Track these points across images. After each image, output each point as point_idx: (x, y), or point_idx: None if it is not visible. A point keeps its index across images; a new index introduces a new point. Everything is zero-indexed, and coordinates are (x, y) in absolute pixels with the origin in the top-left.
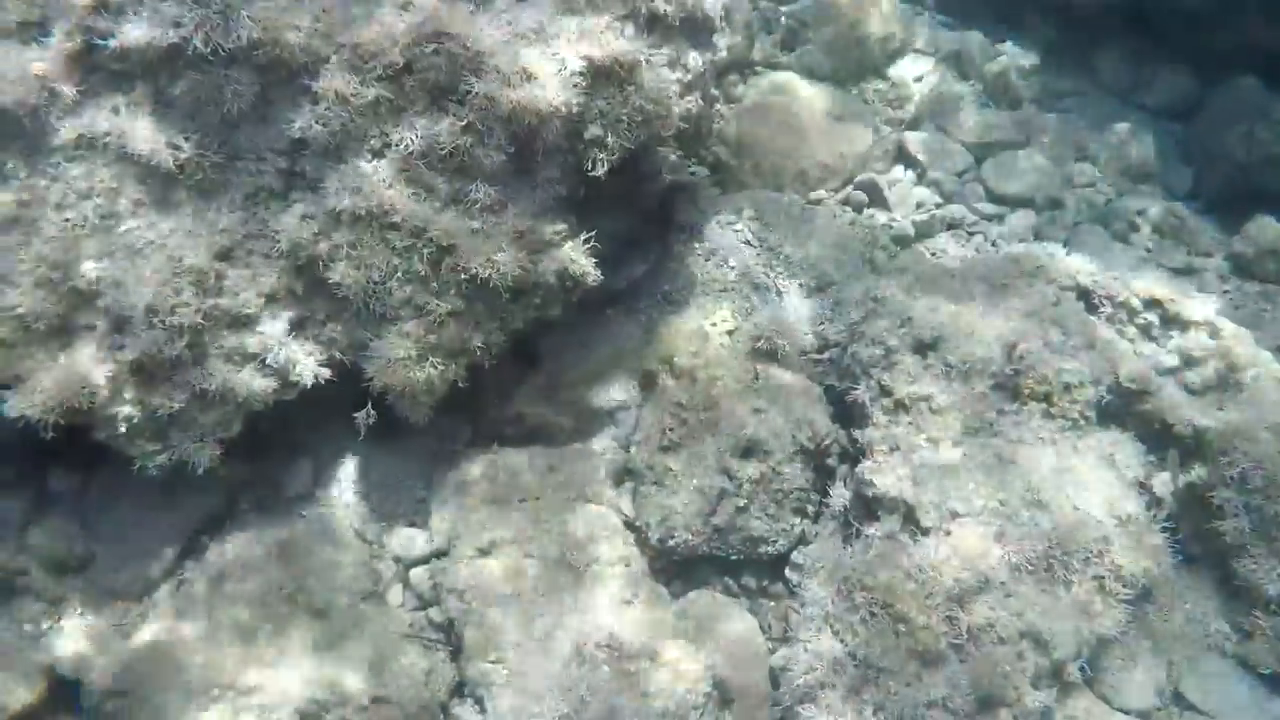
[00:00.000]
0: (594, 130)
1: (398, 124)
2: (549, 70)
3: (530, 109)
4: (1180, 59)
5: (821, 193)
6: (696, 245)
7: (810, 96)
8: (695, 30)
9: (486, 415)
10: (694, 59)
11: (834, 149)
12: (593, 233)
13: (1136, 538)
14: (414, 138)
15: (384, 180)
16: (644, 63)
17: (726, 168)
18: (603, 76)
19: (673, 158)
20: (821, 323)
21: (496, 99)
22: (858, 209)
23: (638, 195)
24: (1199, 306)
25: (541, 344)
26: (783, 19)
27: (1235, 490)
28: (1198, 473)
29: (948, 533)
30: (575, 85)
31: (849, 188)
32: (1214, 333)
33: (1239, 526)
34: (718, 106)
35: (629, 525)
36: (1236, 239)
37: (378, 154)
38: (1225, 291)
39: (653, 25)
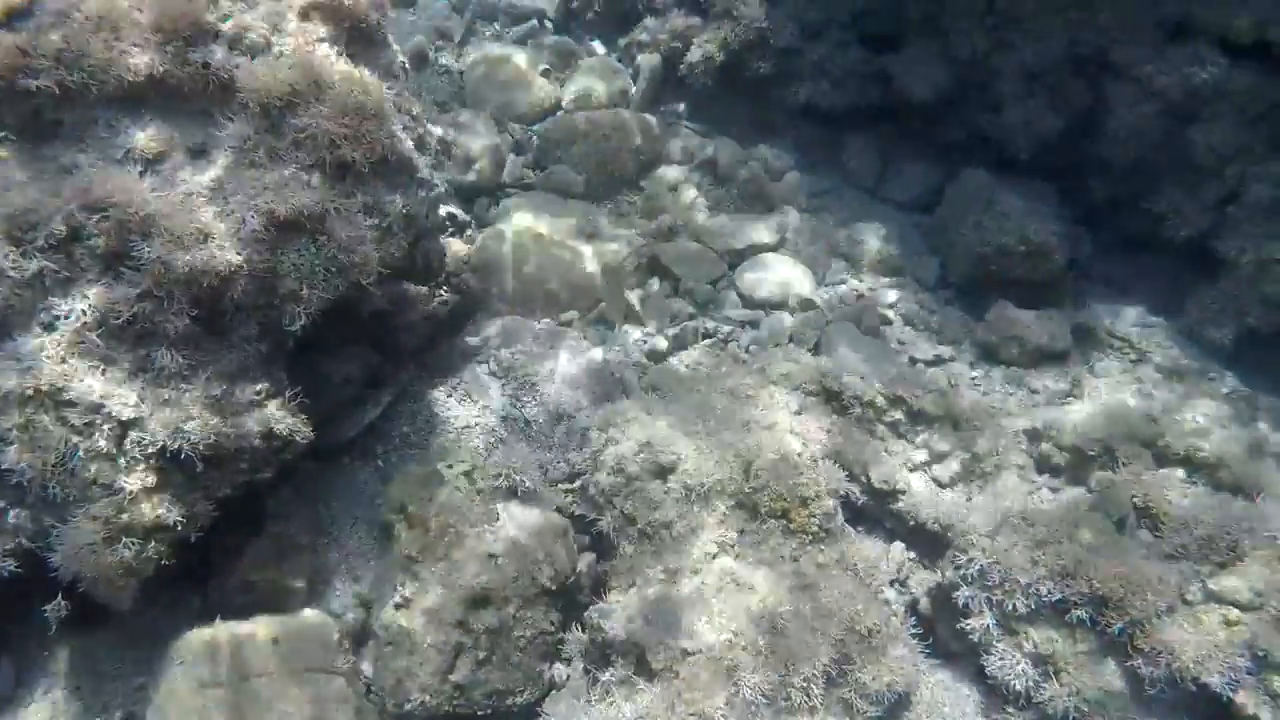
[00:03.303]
0: (288, 284)
1: (68, 294)
2: (226, 229)
3: (208, 270)
4: (921, 151)
5: (573, 314)
6: (439, 381)
7: (557, 215)
8: (392, 173)
9: (216, 583)
10: (394, 202)
11: (584, 267)
12: (298, 389)
13: (881, 651)
14: (86, 308)
15: (56, 355)
16: (333, 213)
17: (474, 294)
18: (290, 230)
19: (412, 290)
20: (570, 450)
21: (171, 263)
22: (610, 327)
23: (371, 335)
24: (940, 399)
25: (270, 502)
26: (533, 139)
27: (977, 587)
28: (947, 573)
29: (676, 675)
30: (259, 241)
31: (601, 305)
32: (957, 424)
33: (983, 624)
34: (470, 232)
35: (370, 691)
36: (980, 325)
37: (48, 327)
38: (974, 379)
39: (342, 174)
